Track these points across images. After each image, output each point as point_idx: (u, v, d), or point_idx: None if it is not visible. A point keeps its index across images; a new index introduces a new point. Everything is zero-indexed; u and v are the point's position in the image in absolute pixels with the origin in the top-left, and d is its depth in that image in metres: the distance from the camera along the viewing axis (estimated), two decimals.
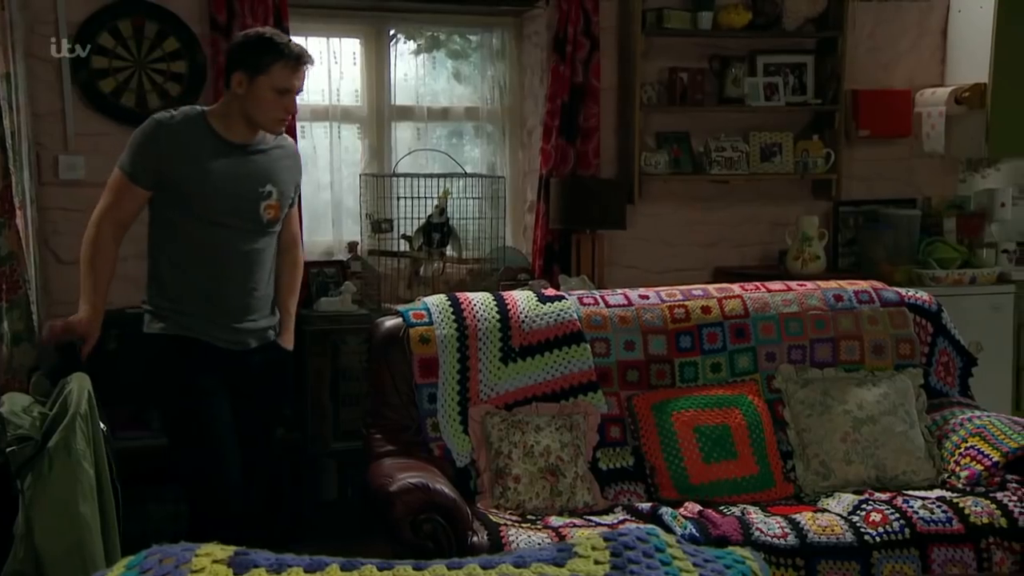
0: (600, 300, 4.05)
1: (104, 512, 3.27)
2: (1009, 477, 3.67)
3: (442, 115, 5.71)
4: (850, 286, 4.27)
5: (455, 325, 3.84)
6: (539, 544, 3.14)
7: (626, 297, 4.08)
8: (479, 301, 3.94)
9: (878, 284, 4.35)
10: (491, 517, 3.39)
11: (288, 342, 3.71)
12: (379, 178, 5.11)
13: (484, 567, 1.84)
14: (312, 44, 5.19)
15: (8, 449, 3.11)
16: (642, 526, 2.69)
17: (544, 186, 5.44)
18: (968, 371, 4.23)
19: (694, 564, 1.90)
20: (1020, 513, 3.44)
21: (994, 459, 3.70)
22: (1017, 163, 6.22)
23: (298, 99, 3.53)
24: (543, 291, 4.11)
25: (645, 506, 3.53)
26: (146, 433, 4.64)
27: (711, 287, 4.22)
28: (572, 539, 2.07)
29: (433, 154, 5.52)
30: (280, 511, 4.66)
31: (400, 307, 4.00)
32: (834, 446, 3.83)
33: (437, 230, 5.04)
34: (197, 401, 3.44)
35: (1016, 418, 3.95)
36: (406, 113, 5.59)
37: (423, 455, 3.63)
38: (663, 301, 4.07)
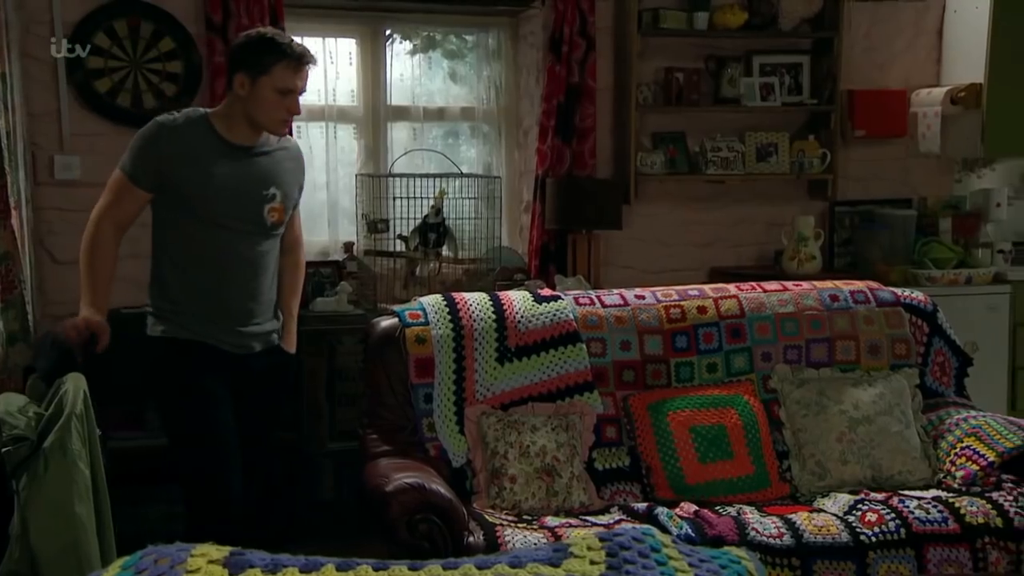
0: (596, 300, 4.05)
1: (100, 512, 3.27)
2: (1005, 477, 3.67)
3: (438, 115, 5.71)
4: (846, 286, 4.27)
5: (451, 325, 3.84)
6: (535, 544, 3.14)
7: (622, 297, 4.08)
8: (475, 301, 3.93)
9: (874, 284, 4.35)
10: (487, 517, 3.39)
11: (291, 345, 3.69)
12: (375, 178, 5.11)
13: (480, 567, 1.84)
14: (308, 44, 5.13)
15: (3, 449, 3.10)
16: (638, 526, 2.68)
17: (540, 186, 5.44)
18: (964, 371, 4.24)
19: (690, 564, 1.90)
20: (1016, 513, 3.44)
21: (990, 459, 3.70)
22: (1013, 163, 6.22)
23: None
24: (539, 291, 4.11)
25: (641, 506, 3.53)
26: (141, 433, 4.64)
27: (707, 287, 4.22)
28: (568, 539, 2.06)
29: (429, 154, 5.52)
30: (276, 511, 4.65)
31: (396, 307, 4.00)
32: (830, 446, 3.83)
33: (433, 230, 5.05)
34: (200, 403, 3.42)
35: (1012, 418, 3.95)
36: (402, 113, 5.58)
37: (419, 455, 3.63)
38: (659, 301, 4.07)
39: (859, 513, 3.45)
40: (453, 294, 4.01)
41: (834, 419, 3.87)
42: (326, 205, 5.41)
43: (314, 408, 4.88)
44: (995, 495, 3.54)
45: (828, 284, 4.30)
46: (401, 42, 5.57)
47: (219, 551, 1.85)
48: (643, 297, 4.08)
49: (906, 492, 3.66)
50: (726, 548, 2.10)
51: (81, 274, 3.41)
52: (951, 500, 3.51)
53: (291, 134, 3.82)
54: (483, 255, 5.21)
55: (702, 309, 4.06)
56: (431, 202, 5.00)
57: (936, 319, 4.22)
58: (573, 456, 3.69)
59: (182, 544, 1.88)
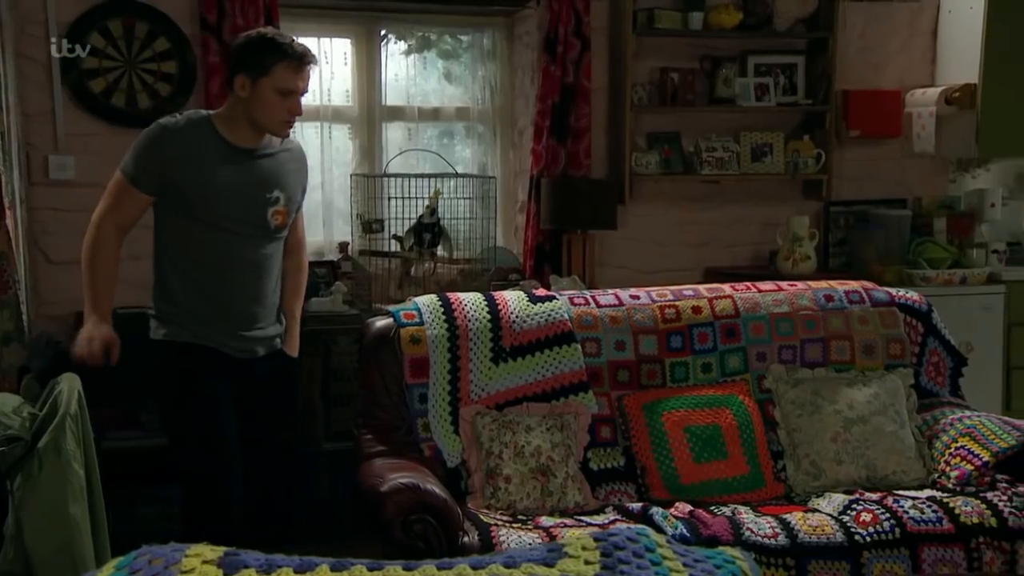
0: (591, 300, 4.05)
1: (94, 513, 3.27)
2: (999, 477, 3.68)
3: (433, 115, 5.71)
4: (840, 286, 4.28)
5: (446, 325, 3.84)
6: (530, 544, 3.14)
7: (617, 297, 4.08)
8: (470, 301, 3.93)
9: (869, 284, 4.35)
10: (482, 517, 3.39)
11: (293, 349, 3.66)
12: (370, 178, 5.11)
13: (474, 567, 1.84)
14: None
15: None
16: (632, 526, 2.69)
17: (535, 186, 5.44)
18: (958, 371, 4.24)
19: (684, 564, 1.90)
20: (1010, 513, 3.44)
21: (984, 459, 3.70)
22: (1007, 163, 6.24)
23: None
24: (534, 291, 4.11)
25: (636, 506, 3.53)
26: (136, 434, 4.63)
27: (702, 287, 4.22)
28: (562, 539, 2.06)
29: (424, 154, 5.52)
30: (271, 511, 4.65)
31: (391, 307, 4.00)
32: (824, 446, 3.84)
33: (428, 230, 5.05)
34: (202, 406, 3.39)
35: (1006, 418, 3.95)
36: (397, 113, 5.58)
37: (414, 455, 3.63)
38: (654, 301, 4.07)
39: (854, 513, 3.45)
40: (448, 294, 4.01)
41: (829, 419, 3.87)
42: (321, 205, 5.41)
43: (309, 408, 4.88)
44: (989, 495, 3.54)
45: (823, 284, 4.30)
46: (396, 42, 5.57)
47: (213, 551, 1.85)
48: (638, 297, 4.08)
49: (901, 492, 3.66)
50: (721, 548, 2.10)
51: (83, 279, 3.37)
52: (946, 500, 3.52)
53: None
54: (478, 255, 5.21)
55: (697, 309, 4.06)
56: (426, 202, 5.00)
57: (931, 319, 4.23)
58: (568, 456, 3.69)
59: (176, 544, 1.87)
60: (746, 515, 3.47)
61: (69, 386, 3.27)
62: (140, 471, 4.46)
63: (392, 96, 5.55)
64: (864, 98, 5.90)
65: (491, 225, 5.20)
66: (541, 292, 4.11)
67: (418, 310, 3.87)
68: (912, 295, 4.29)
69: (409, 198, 4.97)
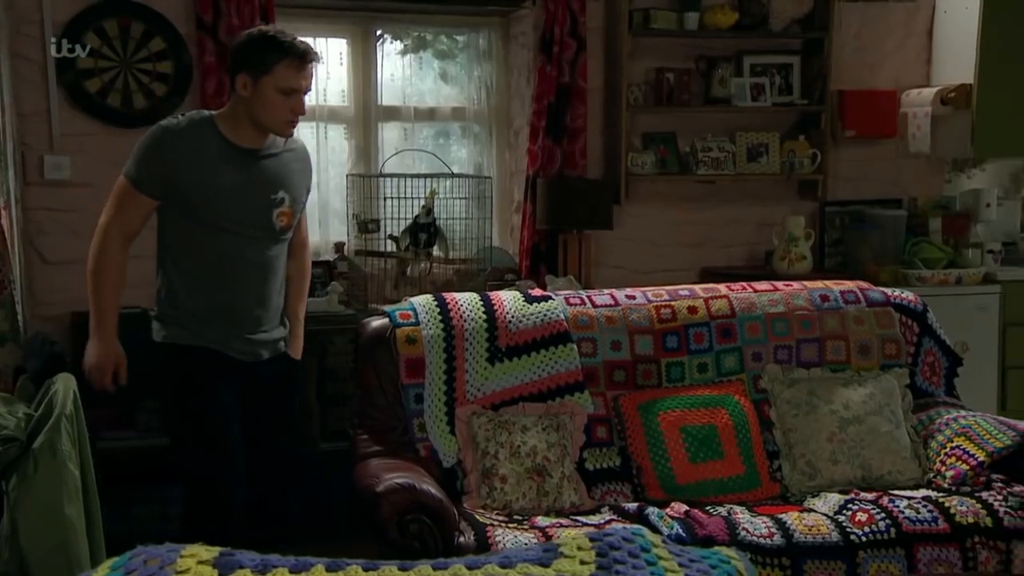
0: (587, 300, 4.05)
1: (89, 513, 3.26)
2: (994, 477, 3.68)
3: (429, 115, 5.71)
4: (836, 286, 4.28)
5: (442, 325, 3.83)
6: (525, 544, 3.14)
7: (613, 297, 4.08)
8: (466, 301, 3.93)
9: (864, 284, 4.36)
10: (478, 517, 3.38)
11: (297, 351, 3.64)
12: (366, 178, 5.10)
13: (470, 567, 1.84)
14: None
15: None
16: (628, 526, 2.69)
17: (531, 186, 5.44)
18: (954, 371, 4.24)
19: (679, 564, 1.90)
20: (1005, 513, 3.45)
21: (979, 459, 3.71)
22: (1002, 163, 6.25)
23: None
24: (530, 291, 4.11)
25: (632, 506, 3.53)
26: (132, 434, 4.63)
27: (697, 287, 4.22)
28: (558, 539, 2.06)
29: (420, 154, 5.52)
30: (267, 511, 4.64)
31: (387, 307, 3.99)
32: (820, 446, 3.84)
33: (424, 230, 5.04)
34: (205, 409, 3.37)
35: (1001, 418, 3.96)
36: (393, 113, 5.58)
37: (410, 455, 3.63)
38: (650, 301, 4.07)
39: (849, 513, 3.46)
40: (444, 294, 4.00)
41: (824, 419, 3.88)
42: (317, 205, 5.40)
43: (305, 408, 4.87)
44: (985, 495, 3.55)
45: (818, 284, 4.30)
46: (392, 42, 5.57)
47: (209, 552, 1.85)
48: (634, 297, 4.08)
49: (896, 492, 3.66)
50: (716, 548, 2.10)
51: (88, 290, 3.33)
52: (941, 500, 3.52)
53: None
54: (474, 255, 5.20)
55: (692, 309, 4.06)
56: (422, 202, 4.99)
57: (926, 319, 4.23)
58: (564, 456, 3.69)
59: (172, 544, 1.87)
60: (742, 515, 3.47)
61: (64, 386, 3.27)
62: (135, 471, 4.46)
63: (388, 96, 5.55)
64: (860, 98, 5.90)
65: (487, 225, 5.19)
66: (537, 292, 4.11)
67: (414, 310, 3.87)
68: (908, 295, 4.29)
69: (405, 198, 4.96)
